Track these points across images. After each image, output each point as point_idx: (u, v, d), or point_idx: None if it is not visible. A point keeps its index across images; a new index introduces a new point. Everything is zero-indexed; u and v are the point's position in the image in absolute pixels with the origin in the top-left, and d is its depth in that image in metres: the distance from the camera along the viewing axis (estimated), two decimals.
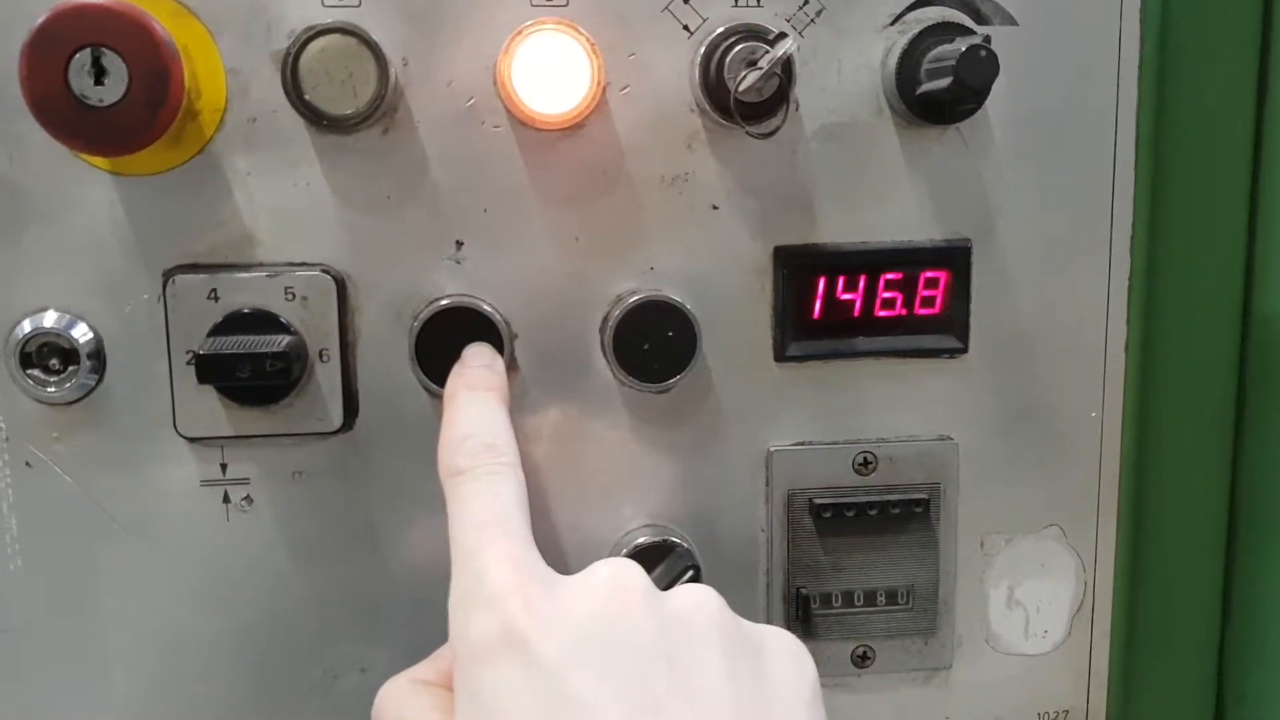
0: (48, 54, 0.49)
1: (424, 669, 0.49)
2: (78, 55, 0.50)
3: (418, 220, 0.58)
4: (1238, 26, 0.63)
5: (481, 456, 0.49)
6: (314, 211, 0.57)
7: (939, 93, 0.56)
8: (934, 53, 0.57)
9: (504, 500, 0.48)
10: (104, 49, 0.50)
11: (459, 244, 0.58)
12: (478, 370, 0.55)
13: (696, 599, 0.45)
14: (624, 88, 0.58)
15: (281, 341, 0.54)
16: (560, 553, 0.61)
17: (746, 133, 0.55)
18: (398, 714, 0.46)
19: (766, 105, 0.55)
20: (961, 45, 0.54)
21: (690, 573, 0.59)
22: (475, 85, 0.57)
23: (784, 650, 0.45)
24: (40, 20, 0.49)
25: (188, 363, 0.56)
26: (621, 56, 0.57)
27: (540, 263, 0.59)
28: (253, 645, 0.60)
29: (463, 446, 0.50)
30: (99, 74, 0.50)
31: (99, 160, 0.55)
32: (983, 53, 0.54)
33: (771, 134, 0.55)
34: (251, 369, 0.53)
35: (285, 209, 0.56)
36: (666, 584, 0.59)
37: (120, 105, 0.50)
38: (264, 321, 0.56)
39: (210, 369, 0.53)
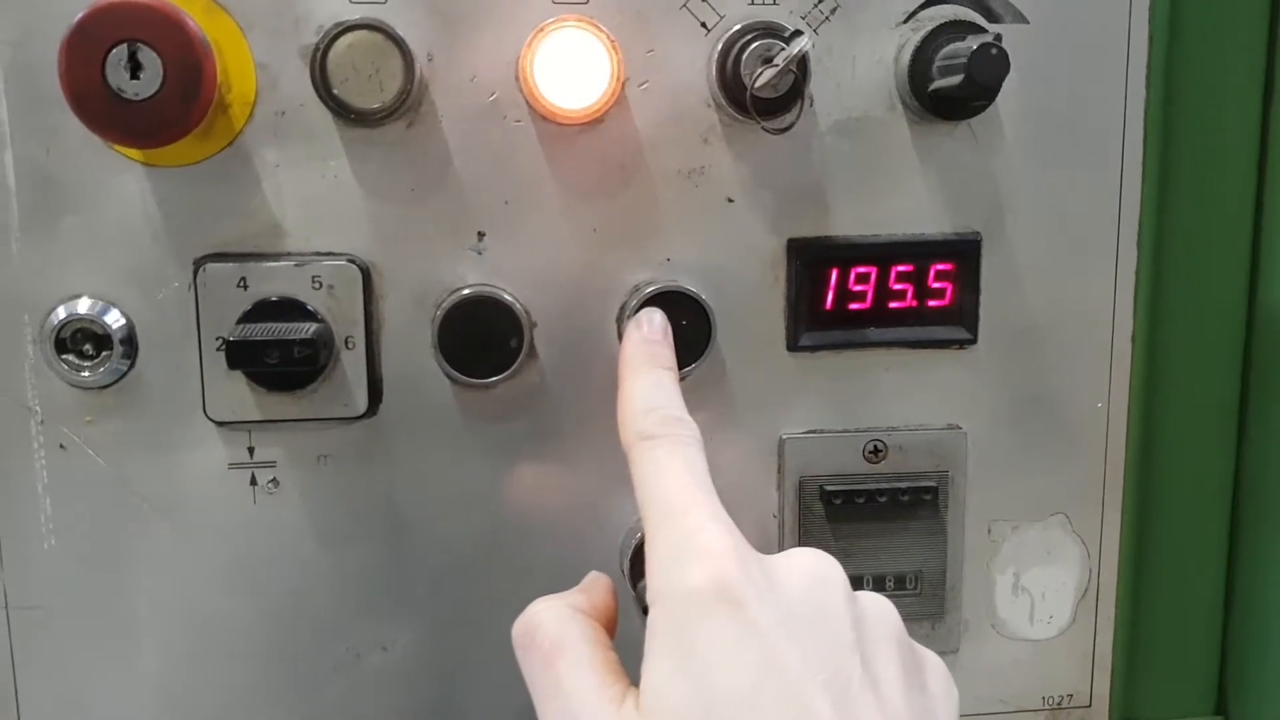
0: (86, 49, 0.51)
1: (578, 598, 0.50)
2: (115, 50, 0.51)
3: (441, 212, 0.59)
4: (1245, 26, 0.64)
5: (673, 426, 0.51)
6: (340, 203, 0.58)
7: (951, 89, 0.57)
8: (946, 50, 0.58)
9: (700, 469, 0.49)
10: (140, 44, 0.51)
11: (481, 235, 0.60)
12: (659, 345, 0.56)
13: (882, 607, 0.47)
14: (643, 83, 0.59)
15: (309, 329, 0.56)
16: (578, 534, 0.62)
17: (762, 128, 0.56)
18: (559, 635, 0.47)
19: (782, 101, 0.56)
20: (973, 43, 0.56)
21: None
22: (498, 81, 0.58)
23: (940, 670, 0.48)
24: (79, 16, 0.51)
25: (218, 349, 0.57)
26: (640, 53, 0.59)
27: (560, 253, 0.60)
28: (278, 624, 0.62)
29: (651, 415, 0.51)
30: (135, 68, 0.51)
31: (132, 152, 0.57)
32: (994, 50, 0.55)
33: (787, 129, 0.57)
34: (280, 355, 0.55)
35: (312, 200, 0.58)
36: None
37: (155, 99, 0.52)
38: (292, 309, 0.57)
39: (240, 355, 0.55)
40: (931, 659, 0.48)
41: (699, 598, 0.43)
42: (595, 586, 0.53)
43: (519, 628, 0.49)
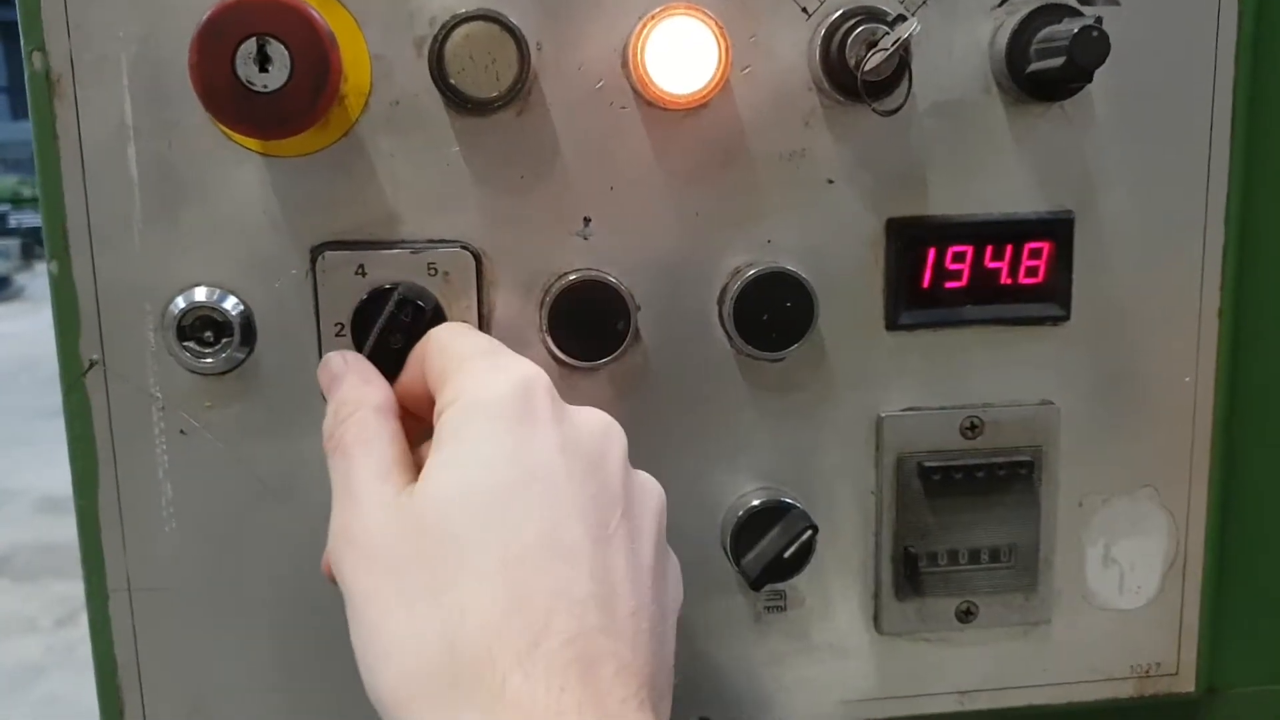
0: (216, 43, 0.52)
1: (383, 396, 0.55)
2: (244, 44, 0.52)
3: (549, 198, 0.60)
4: None
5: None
6: (453, 190, 0.60)
7: (1050, 71, 0.58)
8: (1044, 33, 0.59)
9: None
10: (269, 38, 0.52)
11: (587, 220, 0.61)
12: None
13: (653, 484, 0.53)
14: (745, 68, 0.60)
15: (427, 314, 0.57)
16: (678, 510, 0.63)
17: (873, 110, 0.58)
18: (359, 435, 0.52)
19: (887, 84, 0.58)
20: (1074, 26, 0.57)
21: (808, 533, 0.62)
22: (604, 68, 0.59)
23: (677, 571, 0.55)
24: (210, 12, 0.52)
25: (337, 334, 0.58)
26: (743, 38, 0.60)
27: (663, 237, 0.62)
28: None
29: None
30: (264, 61, 0.53)
31: (250, 143, 0.58)
32: (1095, 33, 0.57)
33: (896, 110, 0.58)
34: (405, 340, 0.56)
35: (426, 188, 0.59)
36: (784, 544, 0.62)
37: (283, 90, 0.53)
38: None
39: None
40: (675, 560, 0.54)
41: (499, 404, 0.49)
42: (372, 375, 0.56)
43: (328, 425, 0.54)
